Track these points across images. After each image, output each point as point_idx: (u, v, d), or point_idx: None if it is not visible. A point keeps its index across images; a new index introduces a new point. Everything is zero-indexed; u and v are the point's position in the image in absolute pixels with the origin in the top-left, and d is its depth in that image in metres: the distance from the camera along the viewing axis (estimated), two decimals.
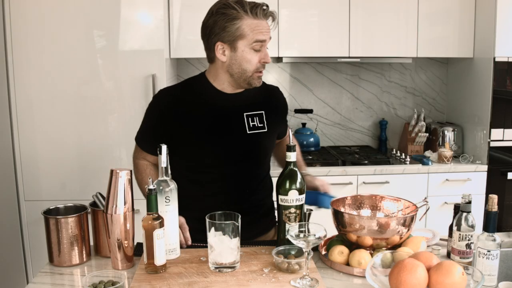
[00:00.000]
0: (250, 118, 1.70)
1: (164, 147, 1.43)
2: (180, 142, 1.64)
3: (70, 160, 2.70)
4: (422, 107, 3.50)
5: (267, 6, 1.60)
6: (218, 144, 1.66)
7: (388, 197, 1.63)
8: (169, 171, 1.48)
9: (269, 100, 1.79)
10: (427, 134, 3.33)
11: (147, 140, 1.72)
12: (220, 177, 1.69)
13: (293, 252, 1.44)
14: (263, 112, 1.73)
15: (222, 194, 1.69)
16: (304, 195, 1.49)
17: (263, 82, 1.75)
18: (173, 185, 1.46)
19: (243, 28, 1.55)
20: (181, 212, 1.53)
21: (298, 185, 1.47)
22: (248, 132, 1.68)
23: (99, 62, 2.65)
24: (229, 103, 1.68)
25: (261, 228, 1.79)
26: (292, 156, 1.48)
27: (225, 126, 1.67)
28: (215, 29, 1.57)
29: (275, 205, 1.58)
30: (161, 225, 1.37)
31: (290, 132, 1.57)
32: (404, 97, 3.58)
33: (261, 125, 1.71)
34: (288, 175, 1.48)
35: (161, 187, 1.44)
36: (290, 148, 1.48)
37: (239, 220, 1.39)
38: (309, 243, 1.30)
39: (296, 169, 1.48)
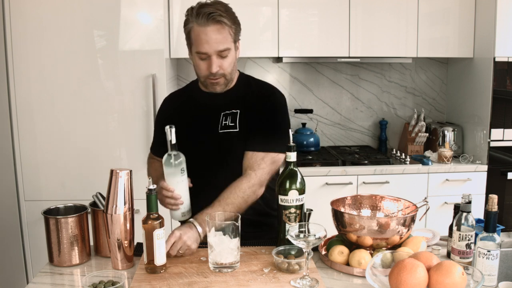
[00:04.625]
0: (224, 117, 1.67)
1: (173, 128, 1.52)
2: (179, 142, 1.64)
3: (70, 160, 2.70)
4: (422, 107, 3.50)
5: (216, 7, 1.51)
6: (197, 142, 1.67)
7: (388, 197, 1.63)
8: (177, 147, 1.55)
9: (249, 98, 1.67)
10: (427, 134, 3.33)
11: (157, 144, 1.79)
12: (202, 177, 1.67)
13: (293, 252, 1.44)
14: (238, 111, 1.66)
15: (203, 195, 1.61)
16: (304, 195, 1.49)
17: (257, 79, 1.75)
18: (183, 157, 1.56)
19: (191, 34, 1.58)
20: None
21: (298, 185, 1.47)
22: (219, 131, 1.66)
23: (99, 62, 2.65)
24: (209, 102, 1.70)
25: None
26: (292, 156, 1.48)
27: (203, 124, 1.68)
28: None
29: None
30: (161, 225, 1.37)
31: (290, 132, 1.55)
32: (404, 97, 3.58)
33: (232, 124, 1.65)
34: (288, 175, 1.47)
35: (178, 159, 1.54)
36: (290, 148, 1.48)
37: (239, 220, 1.39)
38: (309, 243, 1.30)
39: (296, 169, 1.48)
